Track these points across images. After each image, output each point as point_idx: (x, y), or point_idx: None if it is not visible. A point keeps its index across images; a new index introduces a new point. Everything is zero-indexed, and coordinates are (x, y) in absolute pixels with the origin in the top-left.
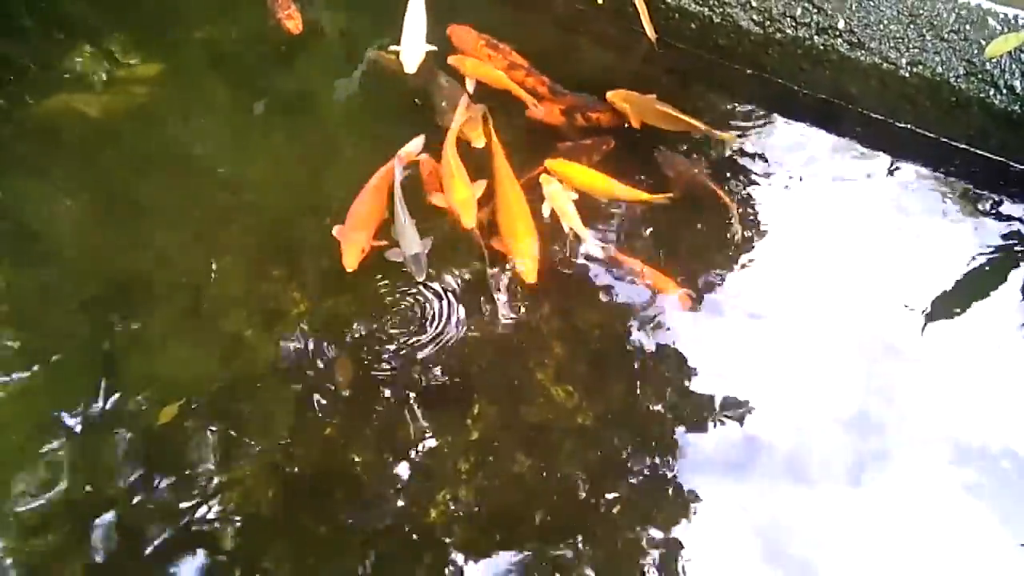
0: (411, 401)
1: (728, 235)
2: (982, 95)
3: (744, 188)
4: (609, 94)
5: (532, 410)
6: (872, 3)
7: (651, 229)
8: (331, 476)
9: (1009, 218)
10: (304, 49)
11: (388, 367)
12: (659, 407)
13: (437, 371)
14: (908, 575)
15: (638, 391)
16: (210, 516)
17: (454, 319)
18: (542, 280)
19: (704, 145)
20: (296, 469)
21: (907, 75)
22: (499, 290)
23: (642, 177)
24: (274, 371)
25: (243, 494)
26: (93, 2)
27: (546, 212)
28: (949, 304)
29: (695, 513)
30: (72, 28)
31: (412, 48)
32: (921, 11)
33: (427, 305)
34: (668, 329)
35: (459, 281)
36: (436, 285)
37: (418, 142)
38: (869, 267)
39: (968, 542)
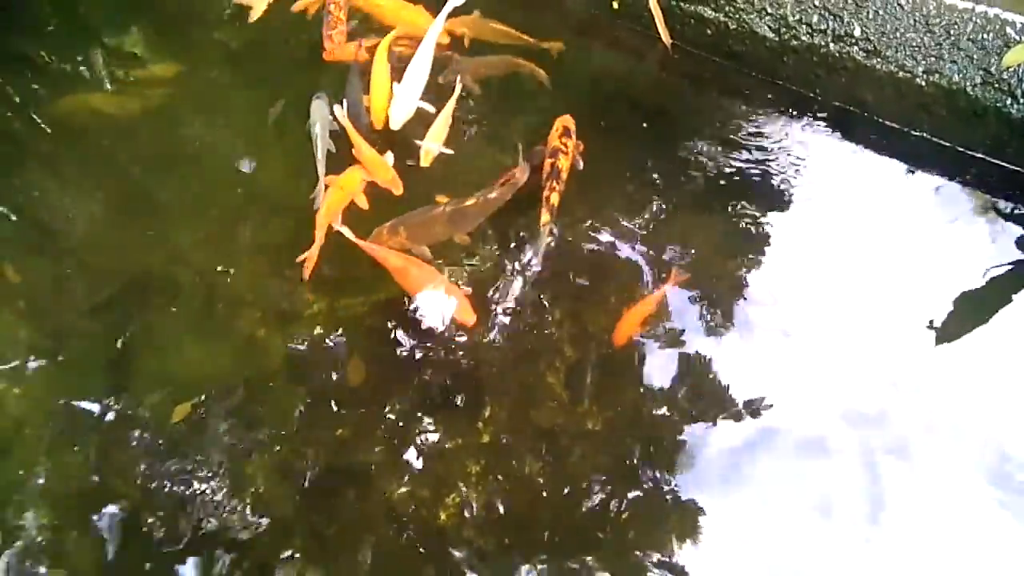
0: (423, 402)
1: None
2: (999, 104)
3: (758, 195)
4: (453, 20)
5: (542, 414)
6: (889, 11)
7: (664, 234)
8: (342, 476)
9: None
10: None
11: (400, 368)
12: (671, 414)
13: (449, 372)
14: None
15: (648, 396)
16: (221, 514)
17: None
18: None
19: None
20: (308, 469)
21: (923, 83)
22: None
23: None
24: (287, 371)
25: (254, 493)
26: (112, 1)
27: None
28: (965, 314)
29: (703, 521)
30: (91, 27)
31: (402, 104)
32: (938, 19)
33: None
34: (680, 334)
35: (470, 282)
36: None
37: None
38: (883, 276)
39: (985, 559)
